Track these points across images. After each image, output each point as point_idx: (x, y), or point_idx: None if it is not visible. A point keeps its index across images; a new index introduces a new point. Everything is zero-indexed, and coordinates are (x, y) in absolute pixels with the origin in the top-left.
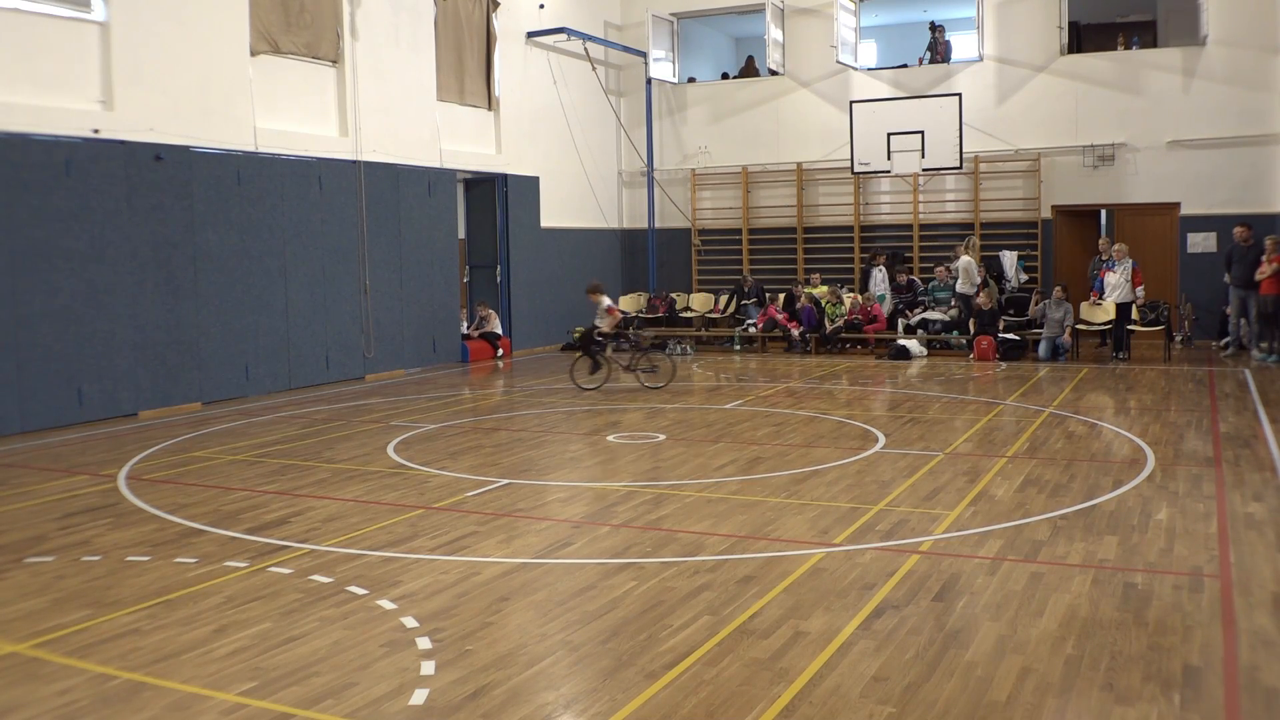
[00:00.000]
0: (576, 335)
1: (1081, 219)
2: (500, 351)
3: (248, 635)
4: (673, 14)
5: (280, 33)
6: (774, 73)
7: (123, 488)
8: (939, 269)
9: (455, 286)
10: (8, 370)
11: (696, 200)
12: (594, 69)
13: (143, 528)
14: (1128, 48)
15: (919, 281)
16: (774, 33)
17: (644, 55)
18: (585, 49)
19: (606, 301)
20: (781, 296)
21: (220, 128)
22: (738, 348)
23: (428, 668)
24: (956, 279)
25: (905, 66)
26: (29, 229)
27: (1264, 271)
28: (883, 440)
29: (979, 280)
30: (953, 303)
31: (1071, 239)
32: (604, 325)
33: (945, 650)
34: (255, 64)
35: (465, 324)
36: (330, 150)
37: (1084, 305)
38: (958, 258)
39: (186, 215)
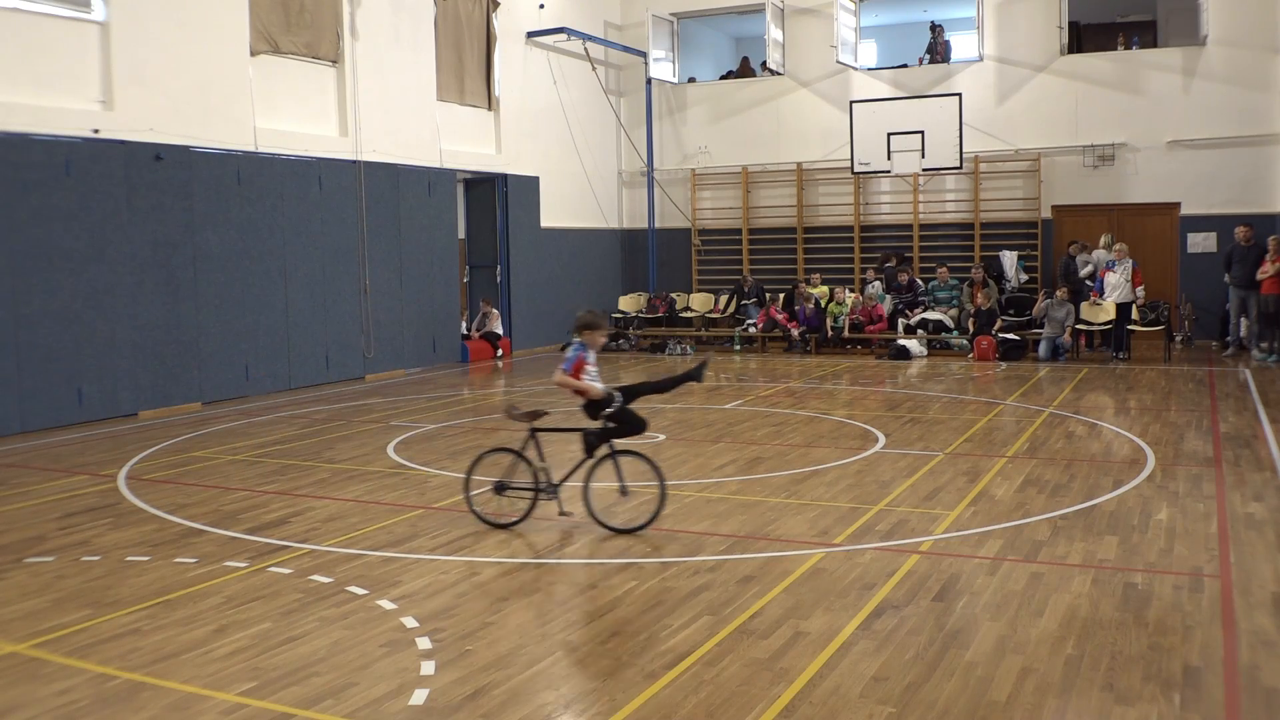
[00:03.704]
0: None
1: (1089, 218)
2: (500, 352)
3: (248, 635)
4: (673, 14)
5: (280, 33)
6: (773, 72)
7: (123, 488)
8: (940, 269)
9: (455, 286)
10: (8, 370)
11: (696, 200)
12: (594, 69)
13: (142, 528)
14: (1128, 48)
15: (919, 281)
16: (774, 33)
17: (644, 55)
18: (585, 49)
19: None
20: (781, 296)
21: (220, 128)
22: (738, 348)
23: (428, 668)
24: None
25: (905, 66)
26: (29, 229)
27: (1266, 271)
28: (883, 440)
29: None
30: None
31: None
32: None
33: (945, 650)
34: (255, 64)
35: (465, 325)
36: (330, 150)
37: (1084, 305)
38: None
39: (186, 215)
